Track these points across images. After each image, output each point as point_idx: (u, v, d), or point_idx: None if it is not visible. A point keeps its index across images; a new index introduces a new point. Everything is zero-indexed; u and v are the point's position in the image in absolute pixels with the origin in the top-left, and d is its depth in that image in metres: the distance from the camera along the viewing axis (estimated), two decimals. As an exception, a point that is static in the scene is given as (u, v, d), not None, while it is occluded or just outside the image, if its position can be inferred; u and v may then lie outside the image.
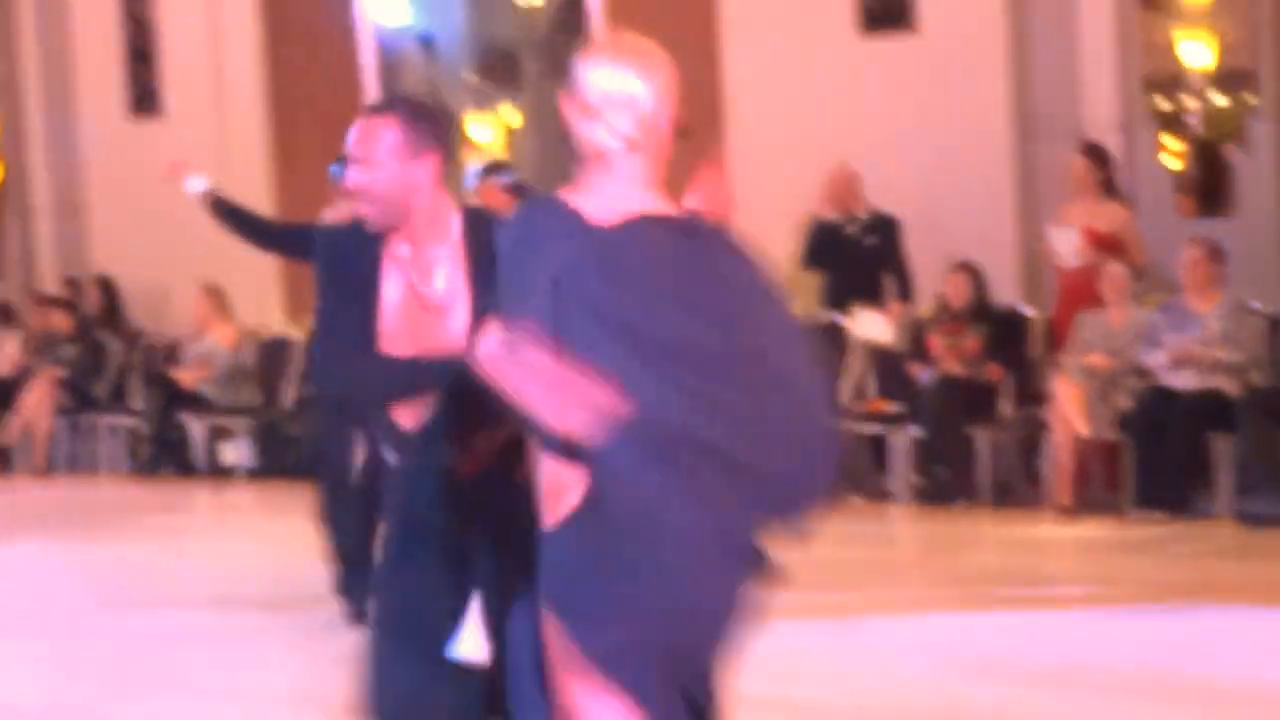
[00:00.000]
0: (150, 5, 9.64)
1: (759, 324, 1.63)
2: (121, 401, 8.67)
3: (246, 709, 4.06)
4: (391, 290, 2.16)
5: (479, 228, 2.20)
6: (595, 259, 1.55)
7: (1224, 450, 5.71)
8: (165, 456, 8.26)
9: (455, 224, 2.17)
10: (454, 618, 2.05)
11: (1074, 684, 3.67)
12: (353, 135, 2.13)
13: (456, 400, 2.00)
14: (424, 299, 2.15)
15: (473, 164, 6.96)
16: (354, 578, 4.75)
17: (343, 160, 5.04)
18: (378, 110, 2.26)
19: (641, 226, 1.60)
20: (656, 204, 1.65)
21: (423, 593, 2.15)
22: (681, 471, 1.46)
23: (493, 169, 6.26)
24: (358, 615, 4.67)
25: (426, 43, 10.98)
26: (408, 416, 2.12)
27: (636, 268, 1.56)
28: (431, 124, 2.19)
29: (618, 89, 1.62)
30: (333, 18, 8.98)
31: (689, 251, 1.61)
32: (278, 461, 7.66)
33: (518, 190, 5.28)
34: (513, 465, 2.00)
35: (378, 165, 2.08)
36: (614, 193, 1.63)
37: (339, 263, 2.24)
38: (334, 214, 5.03)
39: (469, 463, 2.12)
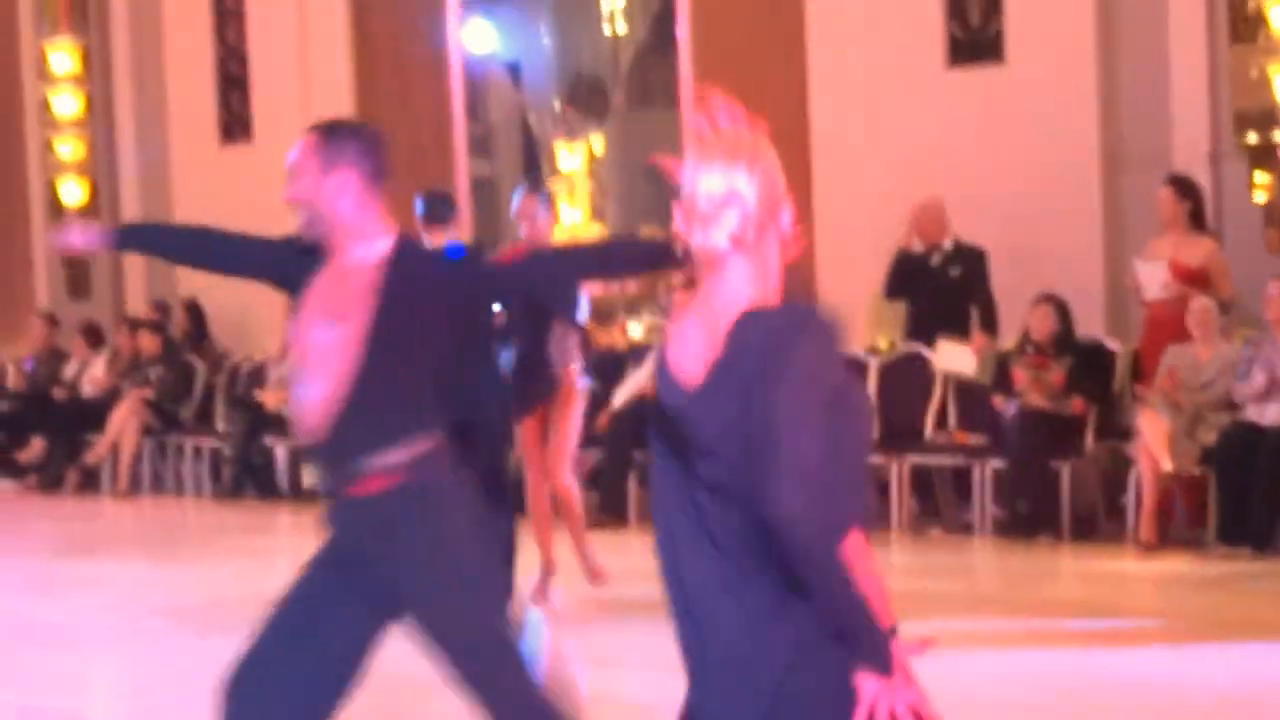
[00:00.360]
0: (242, 33, 9.85)
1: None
2: (207, 423, 8.84)
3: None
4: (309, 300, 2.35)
5: (408, 257, 2.35)
6: None
7: None
8: (248, 479, 8.35)
9: (382, 247, 2.28)
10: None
11: (1150, 718, 3.65)
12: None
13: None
14: (330, 308, 2.29)
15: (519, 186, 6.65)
16: None
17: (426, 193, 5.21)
18: (310, 129, 2.41)
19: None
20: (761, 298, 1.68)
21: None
22: None
23: (534, 186, 6.74)
24: None
25: (514, 71, 11.08)
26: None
27: None
28: (352, 143, 2.32)
29: (722, 190, 1.65)
30: (422, 46, 9.07)
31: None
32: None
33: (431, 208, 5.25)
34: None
35: (298, 176, 2.28)
36: (726, 292, 1.67)
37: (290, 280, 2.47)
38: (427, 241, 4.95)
39: None
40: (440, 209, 5.28)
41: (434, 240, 4.99)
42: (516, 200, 5.63)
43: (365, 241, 2.29)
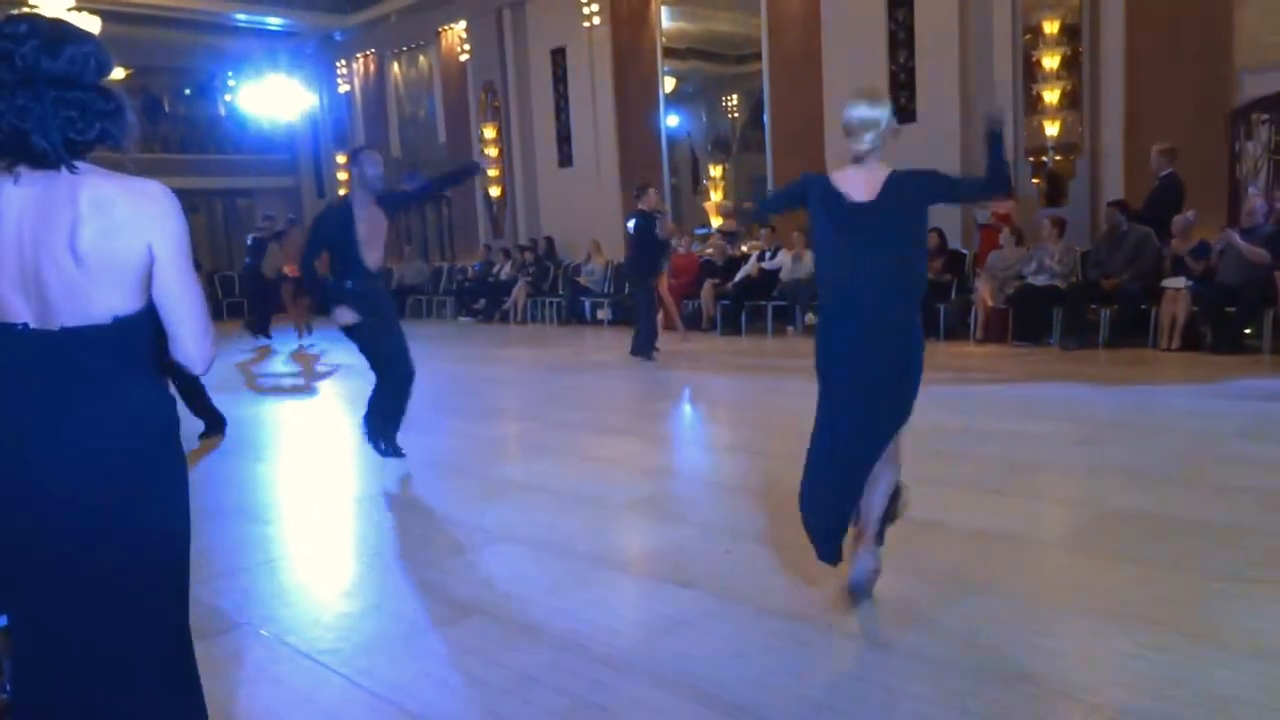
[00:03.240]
0: (566, 110, 15.56)
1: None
2: (555, 290, 14.37)
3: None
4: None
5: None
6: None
7: (1057, 313, 9.16)
8: (572, 314, 13.75)
9: None
10: None
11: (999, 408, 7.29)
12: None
13: None
14: None
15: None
16: None
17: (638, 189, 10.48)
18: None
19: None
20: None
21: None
22: None
23: (642, 190, 9.84)
24: None
25: (689, 134, 17.20)
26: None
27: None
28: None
29: (867, 117, 2.94)
30: (649, 124, 14.48)
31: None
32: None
33: (640, 193, 9.58)
34: None
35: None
36: (875, 166, 2.93)
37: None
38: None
39: None
40: (640, 193, 9.63)
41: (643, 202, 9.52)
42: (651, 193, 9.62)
43: None
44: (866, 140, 2.99)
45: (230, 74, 20.62)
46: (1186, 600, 3.12)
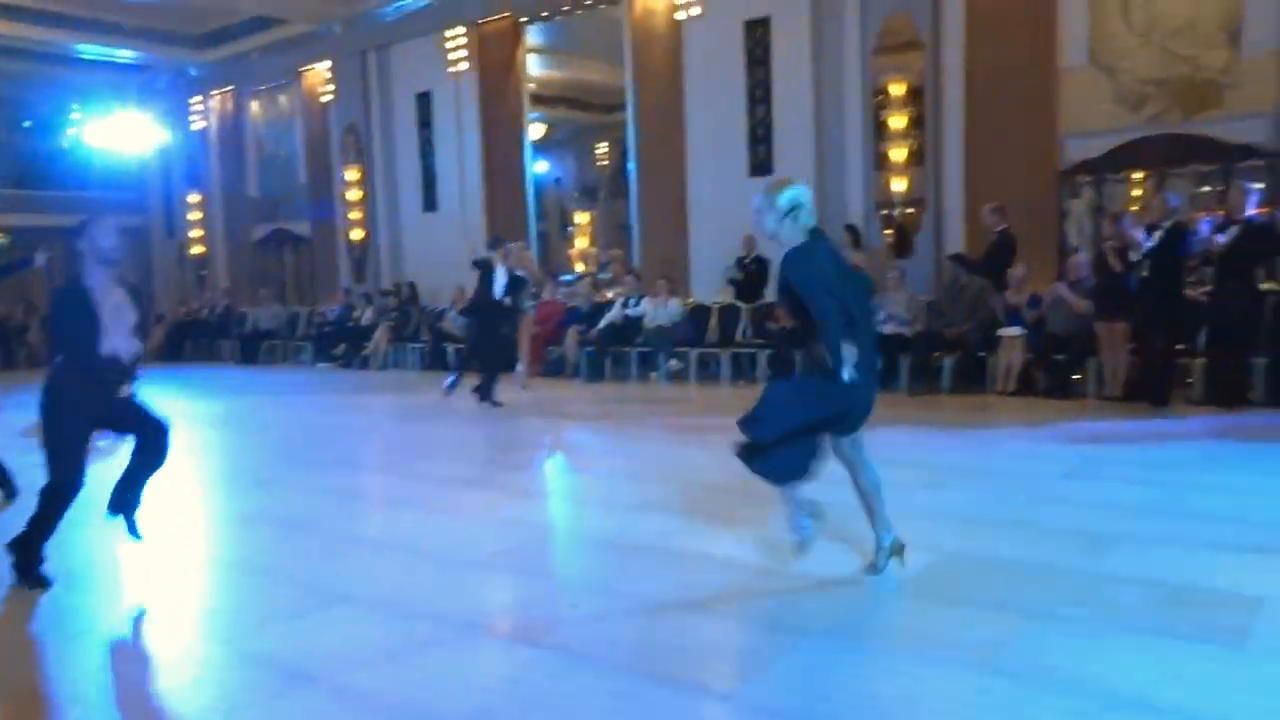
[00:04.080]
0: (431, 155, 15.39)
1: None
2: (417, 336, 14.03)
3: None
4: None
5: None
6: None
7: (905, 360, 9.61)
8: (435, 361, 13.52)
9: None
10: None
11: None
12: None
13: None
14: None
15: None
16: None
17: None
18: None
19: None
20: None
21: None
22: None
23: (497, 240, 10.25)
24: None
25: (557, 181, 17.69)
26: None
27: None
28: None
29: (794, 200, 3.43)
30: (516, 170, 14.54)
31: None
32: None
33: (495, 244, 9.88)
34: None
35: None
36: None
37: None
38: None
39: None
40: (497, 241, 10.05)
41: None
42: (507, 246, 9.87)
43: None
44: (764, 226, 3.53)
45: (75, 107, 19.58)
46: (1008, 641, 3.26)
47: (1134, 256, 8.16)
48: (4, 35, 16.24)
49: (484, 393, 9.66)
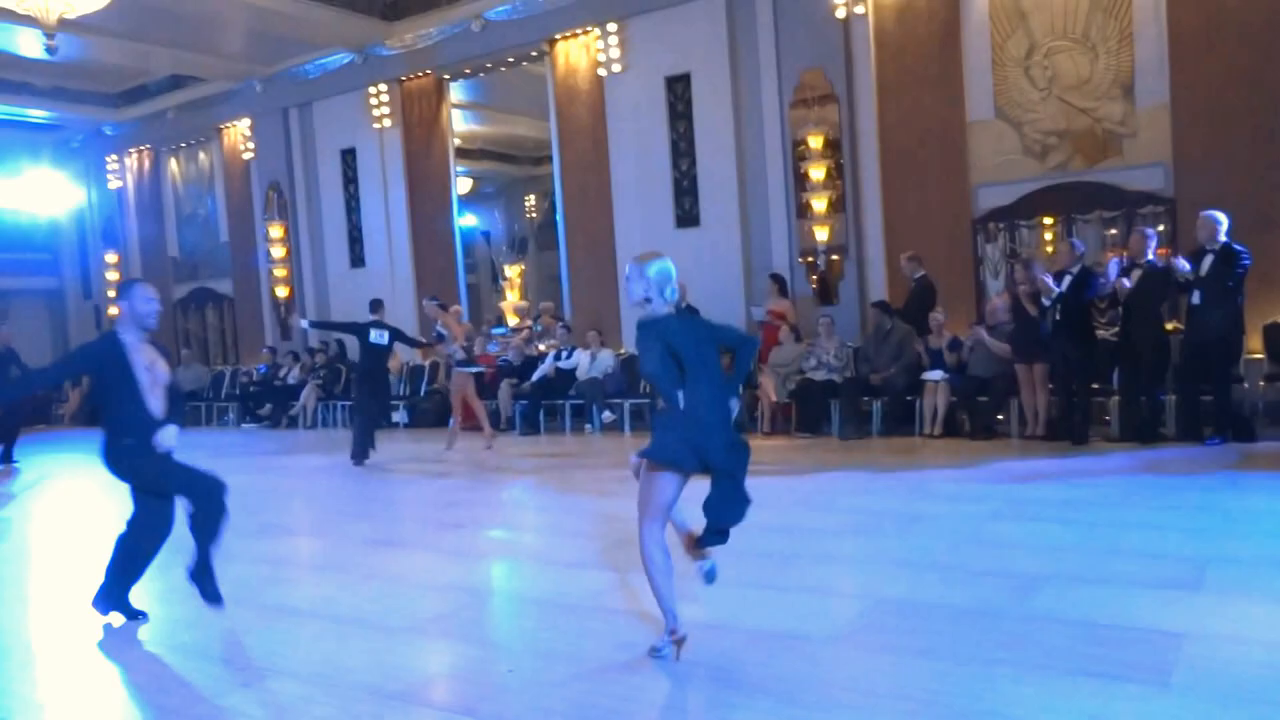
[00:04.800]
0: (357, 210, 15.25)
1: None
2: (347, 394, 13.56)
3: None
4: None
5: None
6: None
7: (835, 405, 9.91)
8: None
9: None
10: None
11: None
12: None
13: None
14: None
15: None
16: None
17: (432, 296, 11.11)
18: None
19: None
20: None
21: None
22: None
23: (432, 297, 10.78)
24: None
25: (486, 235, 17.66)
26: None
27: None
28: None
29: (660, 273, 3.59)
30: (444, 224, 14.45)
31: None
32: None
33: (440, 306, 10.25)
34: None
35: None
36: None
37: None
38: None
39: None
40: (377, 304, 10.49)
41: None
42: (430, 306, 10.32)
43: None
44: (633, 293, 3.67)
45: (-15, 167, 19.02)
46: (942, 687, 3.29)
47: (1046, 301, 8.44)
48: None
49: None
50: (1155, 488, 6.47)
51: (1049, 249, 10.30)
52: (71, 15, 10.37)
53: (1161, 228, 9.42)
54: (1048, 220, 10.55)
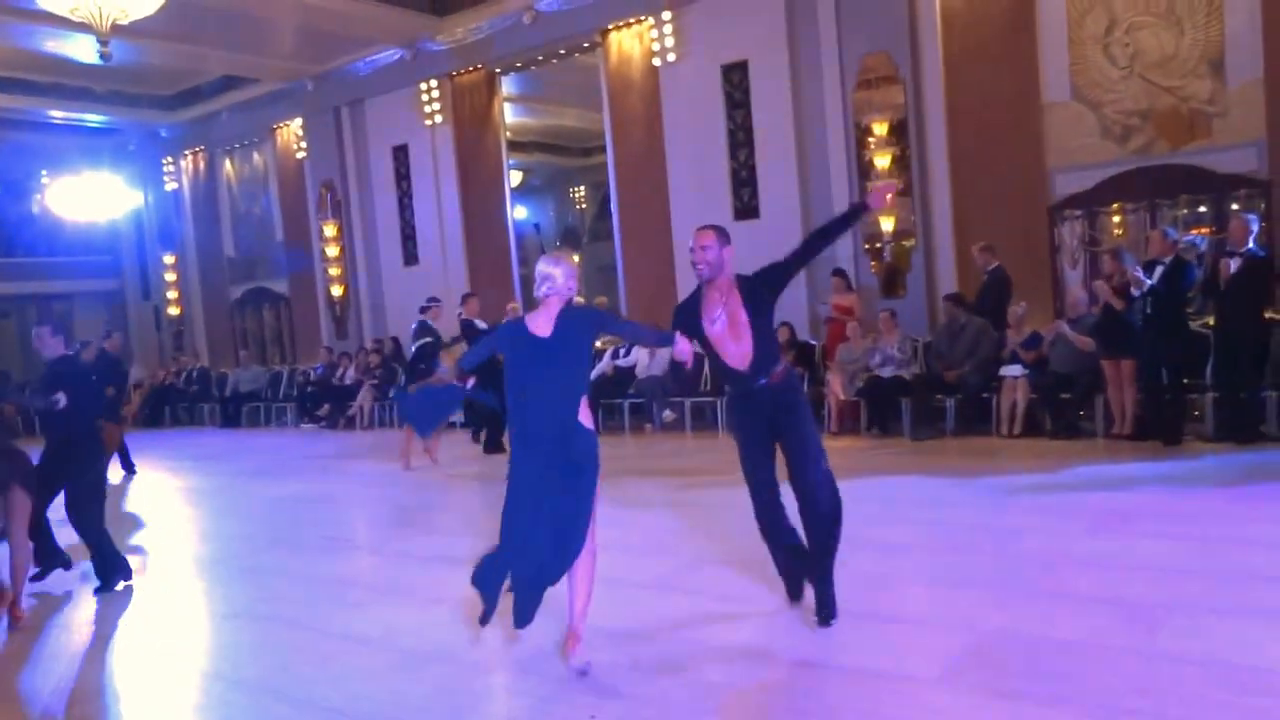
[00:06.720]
0: (410, 207, 15.23)
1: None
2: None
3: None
4: None
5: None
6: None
7: (906, 403, 9.34)
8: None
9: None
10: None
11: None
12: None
13: None
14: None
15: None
16: None
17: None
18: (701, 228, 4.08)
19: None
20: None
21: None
22: None
23: (432, 299, 10.57)
24: None
25: (536, 227, 17.34)
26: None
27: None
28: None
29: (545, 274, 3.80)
30: (497, 217, 14.30)
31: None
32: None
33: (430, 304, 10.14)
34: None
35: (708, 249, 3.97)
36: (545, 313, 3.74)
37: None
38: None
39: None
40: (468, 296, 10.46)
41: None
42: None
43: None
44: (542, 289, 3.87)
45: (44, 172, 19.23)
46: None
47: (1135, 292, 7.95)
48: (-30, 101, 15.94)
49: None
50: (1264, 496, 6.01)
51: (1128, 235, 9.75)
52: (125, 21, 10.30)
53: (1257, 215, 8.82)
54: (1129, 206, 10.01)
